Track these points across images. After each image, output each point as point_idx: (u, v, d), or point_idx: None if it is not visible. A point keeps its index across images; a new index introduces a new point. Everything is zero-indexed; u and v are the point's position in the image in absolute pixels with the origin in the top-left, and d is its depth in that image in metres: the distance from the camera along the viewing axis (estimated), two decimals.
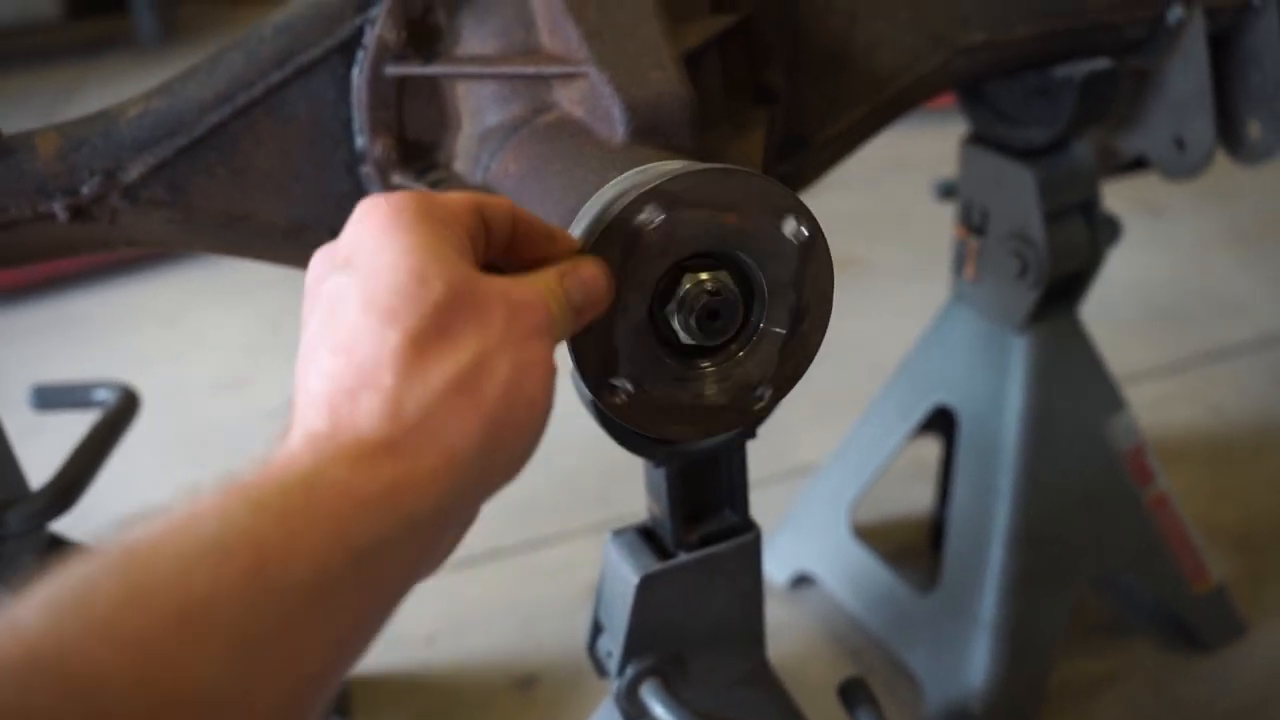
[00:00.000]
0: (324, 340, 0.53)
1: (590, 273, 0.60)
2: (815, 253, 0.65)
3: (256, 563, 0.43)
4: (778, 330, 0.67)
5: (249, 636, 0.42)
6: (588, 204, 0.66)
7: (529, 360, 0.54)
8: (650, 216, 0.61)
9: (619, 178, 0.66)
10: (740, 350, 0.67)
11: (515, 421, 0.53)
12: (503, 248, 0.61)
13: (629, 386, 0.65)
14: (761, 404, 0.68)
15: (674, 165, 0.65)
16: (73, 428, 1.12)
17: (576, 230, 0.64)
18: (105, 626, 0.40)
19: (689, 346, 0.66)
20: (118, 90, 1.01)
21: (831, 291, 0.67)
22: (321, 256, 0.58)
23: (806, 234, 0.64)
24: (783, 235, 0.64)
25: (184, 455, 2.18)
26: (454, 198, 0.58)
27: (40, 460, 1.14)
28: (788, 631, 1.64)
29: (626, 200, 0.61)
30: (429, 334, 0.51)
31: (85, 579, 0.41)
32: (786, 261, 0.65)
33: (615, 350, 0.64)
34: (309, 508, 0.46)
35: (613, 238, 0.61)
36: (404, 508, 0.48)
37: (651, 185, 0.61)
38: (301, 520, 0.45)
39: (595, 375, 0.65)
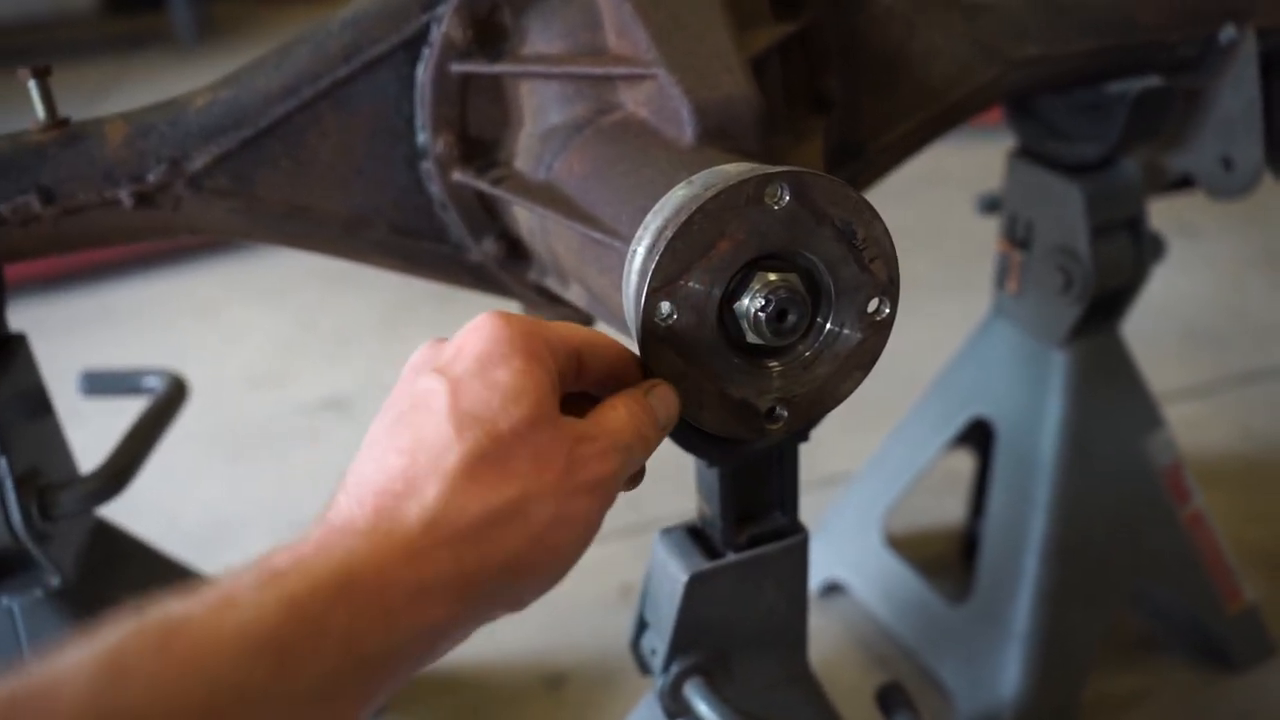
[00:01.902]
0: (394, 435, 0.56)
1: (663, 391, 0.64)
2: (809, 189, 0.64)
3: (279, 666, 0.46)
4: (844, 330, 0.68)
5: None
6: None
7: (571, 515, 0.56)
8: (668, 312, 0.63)
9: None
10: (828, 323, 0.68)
11: (535, 567, 0.56)
12: (591, 383, 0.64)
13: (784, 410, 0.67)
14: (885, 313, 0.70)
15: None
16: (110, 418, 1.13)
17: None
18: (141, 707, 0.43)
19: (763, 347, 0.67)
20: (153, 86, 1.03)
21: (854, 194, 0.66)
22: (426, 351, 0.61)
23: (787, 191, 0.63)
24: (774, 210, 0.64)
25: (218, 449, 2.20)
26: (563, 335, 0.61)
27: (81, 447, 1.16)
28: (818, 638, 1.62)
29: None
30: (487, 460, 0.54)
31: (125, 652, 0.44)
32: (799, 220, 0.65)
33: (744, 399, 0.66)
34: (330, 612, 0.48)
35: (657, 349, 0.64)
36: (413, 622, 0.51)
37: (642, 290, 0.63)
38: (323, 623, 0.48)
39: (753, 428, 0.68)
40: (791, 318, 0.65)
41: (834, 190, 0.65)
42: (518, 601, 0.57)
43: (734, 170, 0.66)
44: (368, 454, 0.56)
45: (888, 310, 0.69)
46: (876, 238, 0.67)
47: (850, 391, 0.71)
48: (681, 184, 0.67)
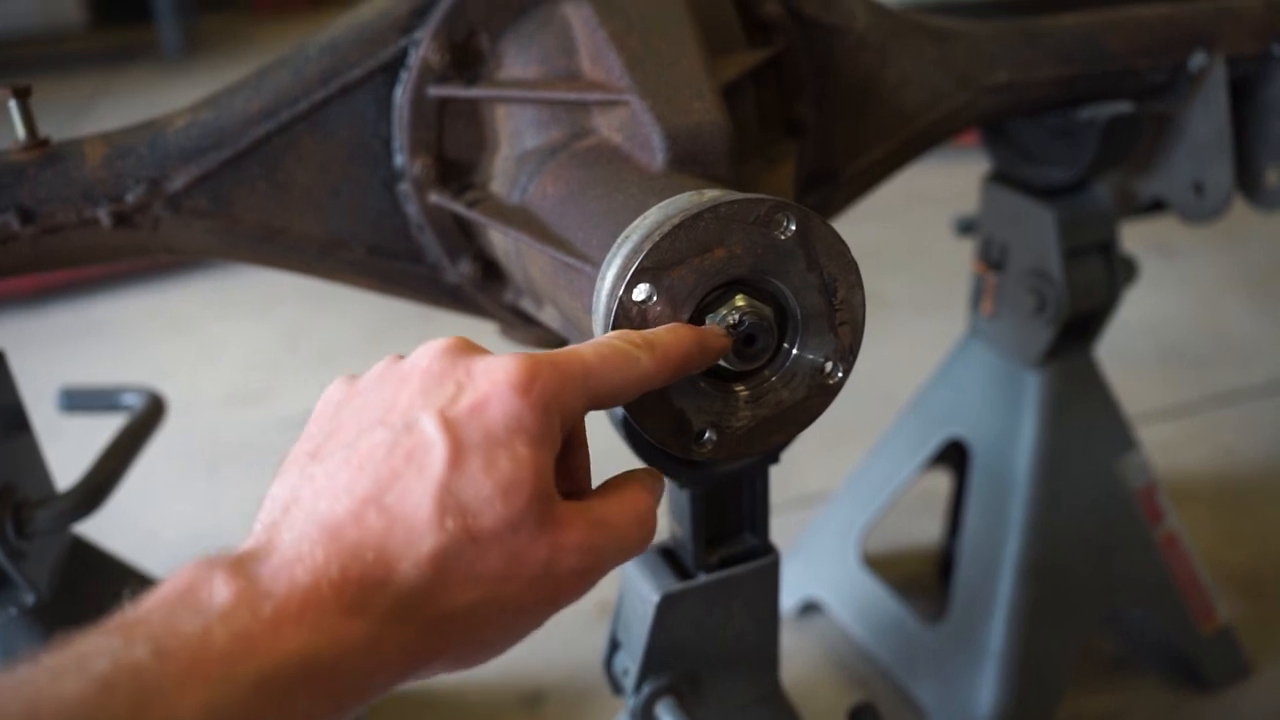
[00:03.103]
0: (377, 482, 0.51)
1: (660, 484, 0.61)
2: (814, 233, 0.65)
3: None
4: (817, 332, 0.68)
5: None
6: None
7: (524, 623, 0.54)
8: (645, 295, 0.63)
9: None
10: (793, 344, 0.69)
11: (472, 658, 0.54)
12: None
13: (713, 435, 0.67)
14: (838, 378, 0.70)
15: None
16: (89, 433, 1.14)
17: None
18: None
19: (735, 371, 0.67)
20: (140, 99, 1.04)
21: (850, 255, 0.67)
22: (439, 365, 0.55)
23: (795, 224, 0.65)
24: (776, 239, 0.65)
25: (197, 465, 2.20)
26: (578, 385, 0.55)
27: (57, 463, 1.16)
28: (795, 658, 1.64)
29: (617, 291, 0.63)
30: (460, 559, 0.50)
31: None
32: (793, 257, 0.66)
33: (681, 411, 0.66)
34: (293, 694, 0.46)
35: (622, 328, 0.63)
36: (356, 700, 0.49)
37: (631, 266, 0.62)
38: (286, 705, 0.46)
39: (680, 444, 0.67)
40: (758, 344, 0.66)
41: (834, 243, 0.66)
42: (455, 670, 0.55)
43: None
44: (340, 475, 0.51)
45: (840, 375, 0.69)
46: (853, 304, 0.68)
47: (778, 444, 0.72)
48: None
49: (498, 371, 0.53)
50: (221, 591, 0.46)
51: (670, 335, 0.61)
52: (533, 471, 0.51)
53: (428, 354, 0.56)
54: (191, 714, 0.43)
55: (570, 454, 0.60)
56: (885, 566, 1.68)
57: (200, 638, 0.45)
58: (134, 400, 1.24)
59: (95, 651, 0.44)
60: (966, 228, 1.53)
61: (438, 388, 0.54)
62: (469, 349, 0.56)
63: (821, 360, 0.69)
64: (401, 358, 0.58)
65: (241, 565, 0.48)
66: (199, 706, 0.43)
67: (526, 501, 0.51)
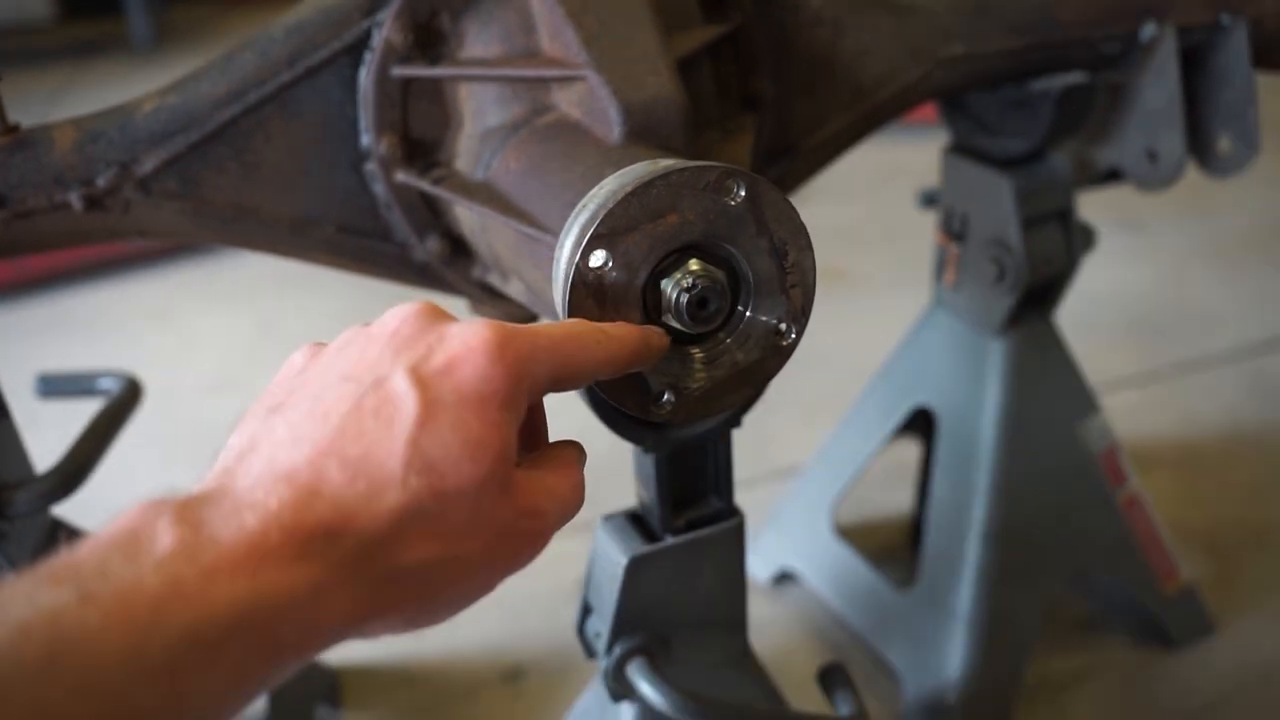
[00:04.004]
0: (343, 435, 0.50)
1: (583, 454, 0.63)
2: (763, 198, 0.67)
3: (171, 692, 0.43)
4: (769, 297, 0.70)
5: None
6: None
7: (478, 585, 0.54)
8: (602, 261, 0.65)
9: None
10: (746, 309, 0.71)
11: (421, 618, 0.53)
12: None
13: (671, 397, 0.69)
14: (791, 339, 0.72)
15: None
16: (70, 422, 1.15)
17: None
18: None
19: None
20: (110, 92, 1.05)
21: (799, 219, 0.69)
22: (412, 326, 0.55)
23: (744, 190, 0.67)
24: (727, 205, 0.67)
25: (178, 453, 2.21)
26: (548, 356, 0.56)
27: (34, 452, 1.17)
28: (771, 626, 1.67)
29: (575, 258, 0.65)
30: (421, 515, 0.50)
31: (4, 668, 0.40)
32: (744, 222, 0.68)
33: (639, 374, 0.68)
34: (225, 644, 0.44)
35: (581, 295, 0.65)
36: (297, 655, 0.48)
37: (587, 234, 0.64)
38: (216, 654, 0.44)
39: (639, 406, 0.69)
40: (711, 307, 0.68)
41: (784, 208, 0.68)
42: (407, 630, 0.54)
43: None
44: (302, 425, 0.51)
45: (793, 337, 0.72)
46: (804, 268, 0.71)
47: (736, 405, 0.74)
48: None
49: (470, 335, 0.53)
50: (164, 538, 0.45)
51: (621, 329, 0.63)
52: (500, 435, 0.52)
53: (397, 316, 0.57)
54: (110, 662, 0.41)
55: (530, 423, 0.62)
56: (858, 536, 1.72)
57: (131, 583, 0.43)
58: (110, 384, 1.26)
59: (18, 596, 0.42)
60: (930, 200, 1.56)
61: (408, 348, 0.54)
62: (439, 314, 0.57)
63: (774, 322, 0.71)
64: (369, 324, 0.59)
65: (189, 509, 0.47)
66: (118, 654, 0.42)
67: (492, 464, 0.51)
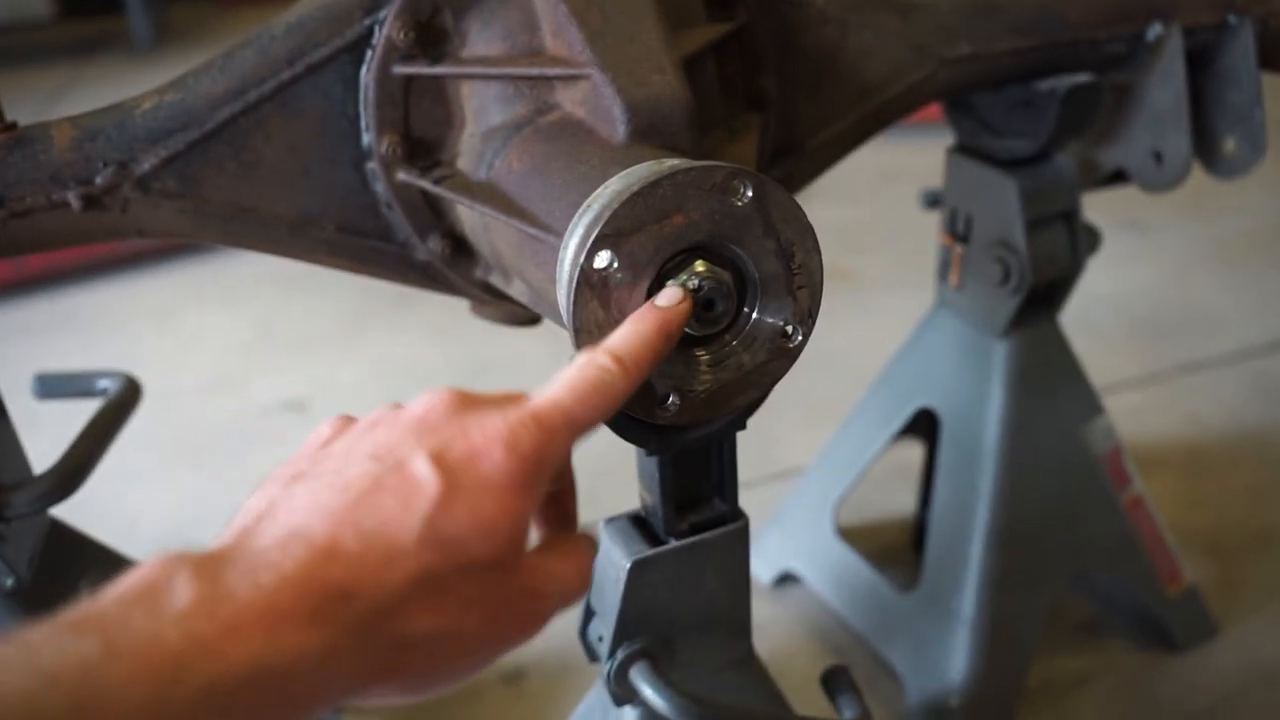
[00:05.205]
0: (356, 508, 0.52)
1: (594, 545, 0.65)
2: (770, 199, 0.67)
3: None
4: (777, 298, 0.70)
5: None
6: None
7: (481, 657, 0.56)
8: (607, 262, 0.64)
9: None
10: (752, 308, 0.70)
11: (425, 686, 0.55)
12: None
13: (675, 399, 0.68)
14: (798, 340, 0.71)
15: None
16: (68, 423, 1.14)
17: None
18: None
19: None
20: (110, 91, 1.04)
21: (806, 219, 0.68)
22: (442, 413, 0.57)
23: (751, 190, 0.66)
24: (733, 205, 0.67)
25: (177, 453, 2.20)
26: (561, 443, 0.58)
27: (33, 453, 1.16)
28: (773, 628, 1.67)
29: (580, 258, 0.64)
30: (430, 585, 0.52)
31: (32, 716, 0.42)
32: (750, 223, 0.67)
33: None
34: (238, 700, 0.46)
35: (585, 297, 0.65)
36: (309, 709, 0.49)
37: (592, 234, 0.64)
38: (230, 710, 0.46)
39: (644, 409, 0.68)
40: (717, 309, 0.67)
41: (791, 209, 0.67)
42: (383, 700, 0.55)
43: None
44: (323, 495, 0.53)
45: (800, 338, 0.71)
46: (811, 268, 0.70)
47: (741, 407, 0.74)
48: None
49: (491, 428, 0.56)
50: (183, 592, 0.47)
51: (635, 338, 0.63)
52: (514, 519, 0.55)
53: (426, 403, 0.59)
54: (133, 713, 0.43)
55: (560, 505, 0.66)
56: (860, 537, 1.71)
57: (152, 636, 0.45)
58: (109, 384, 1.25)
59: (44, 645, 0.44)
60: (933, 201, 1.55)
61: (432, 434, 0.56)
62: (467, 403, 0.59)
63: (781, 324, 0.70)
64: (400, 406, 0.61)
65: (207, 566, 0.48)
66: (141, 706, 0.43)
67: (503, 544, 0.54)
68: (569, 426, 0.58)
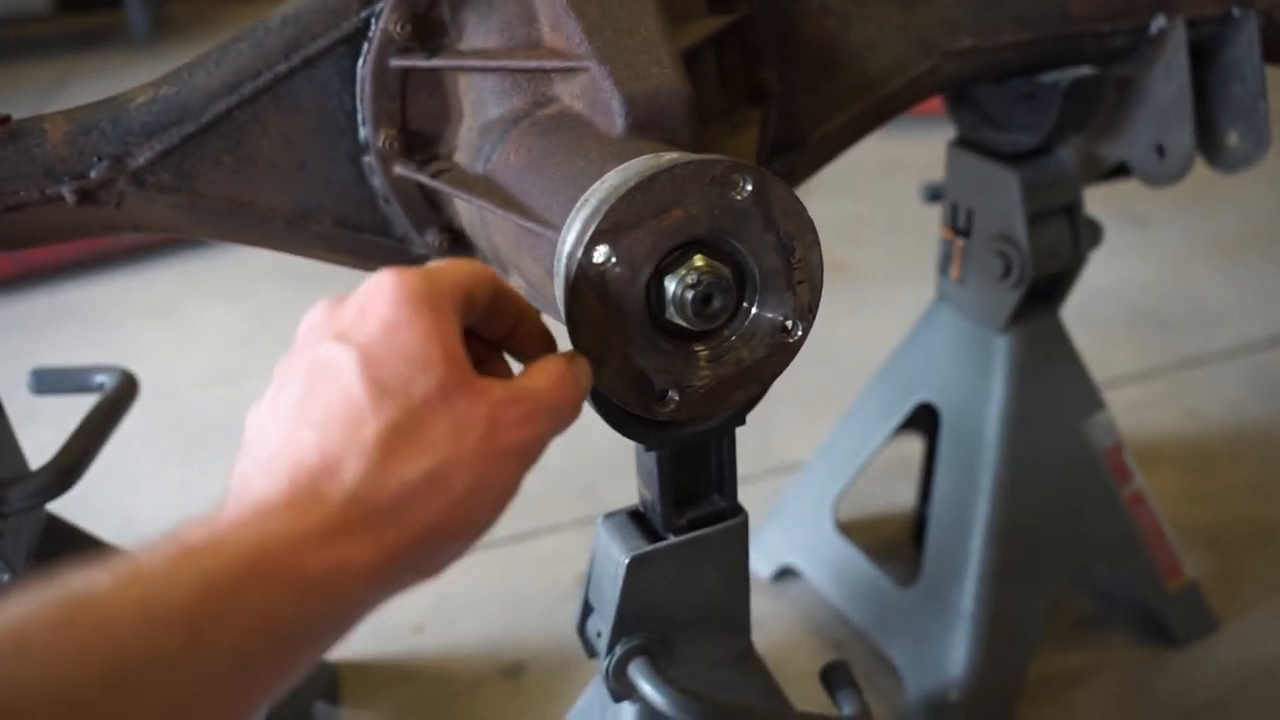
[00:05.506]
0: (303, 409, 0.55)
1: (584, 361, 0.65)
2: (770, 193, 0.66)
3: (190, 640, 0.46)
4: (777, 291, 0.69)
5: (173, 703, 0.45)
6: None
7: (490, 482, 0.56)
8: (604, 257, 0.64)
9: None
10: (752, 302, 0.69)
11: (452, 535, 0.56)
12: (493, 331, 0.65)
13: (675, 395, 0.68)
14: (798, 336, 0.70)
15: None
16: (66, 418, 1.14)
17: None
18: (40, 679, 0.42)
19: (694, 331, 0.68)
20: (107, 84, 1.03)
21: (806, 214, 0.68)
22: (322, 312, 0.60)
23: (750, 184, 0.66)
24: (732, 199, 0.66)
25: (174, 447, 2.20)
26: (454, 279, 0.60)
27: (32, 448, 1.16)
28: (772, 622, 1.66)
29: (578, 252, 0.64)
30: (403, 433, 0.54)
31: (27, 623, 0.43)
32: (750, 217, 0.67)
33: (642, 372, 0.66)
34: (244, 588, 0.48)
35: (583, 291, 0.64)
36: (328, 598, 0.51)
37: (590, 229, 0.63)
38: (236, 599, 0.47)
39: (643, 404, 0.67)
40: (716, 304, 0.67)
41: (790, 203, 0.67)
42: (433, 569, 0.57)
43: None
44: (274, 425, 0.56)
45: (800, 333, 0.70)
46: (811, 263, 0.69)
47: (741, 403, 0.73)
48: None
49: (368, 283, 0.58)
50: (177, 533, 0.50)
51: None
52: (441, 343, 0.56)
53: (304, 321, 0.61)
54: (127, 614, 0.45)
55: (516, 321, 0.65)
56: (860, 532, 1.71)
57: (143, 557, 0.48)
58: (105, 379, 1.24)
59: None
60: (934, 195, 1.54)
61: (329, 323, 0.58)
62: (340, 297, 0.61)
63: (781, 319, 0.70)
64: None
65: (206, 518, 0.52)
66: (135, 607, 0.45)
67: (444, 368, 0.55)
68: (454, 264, 0.61)
